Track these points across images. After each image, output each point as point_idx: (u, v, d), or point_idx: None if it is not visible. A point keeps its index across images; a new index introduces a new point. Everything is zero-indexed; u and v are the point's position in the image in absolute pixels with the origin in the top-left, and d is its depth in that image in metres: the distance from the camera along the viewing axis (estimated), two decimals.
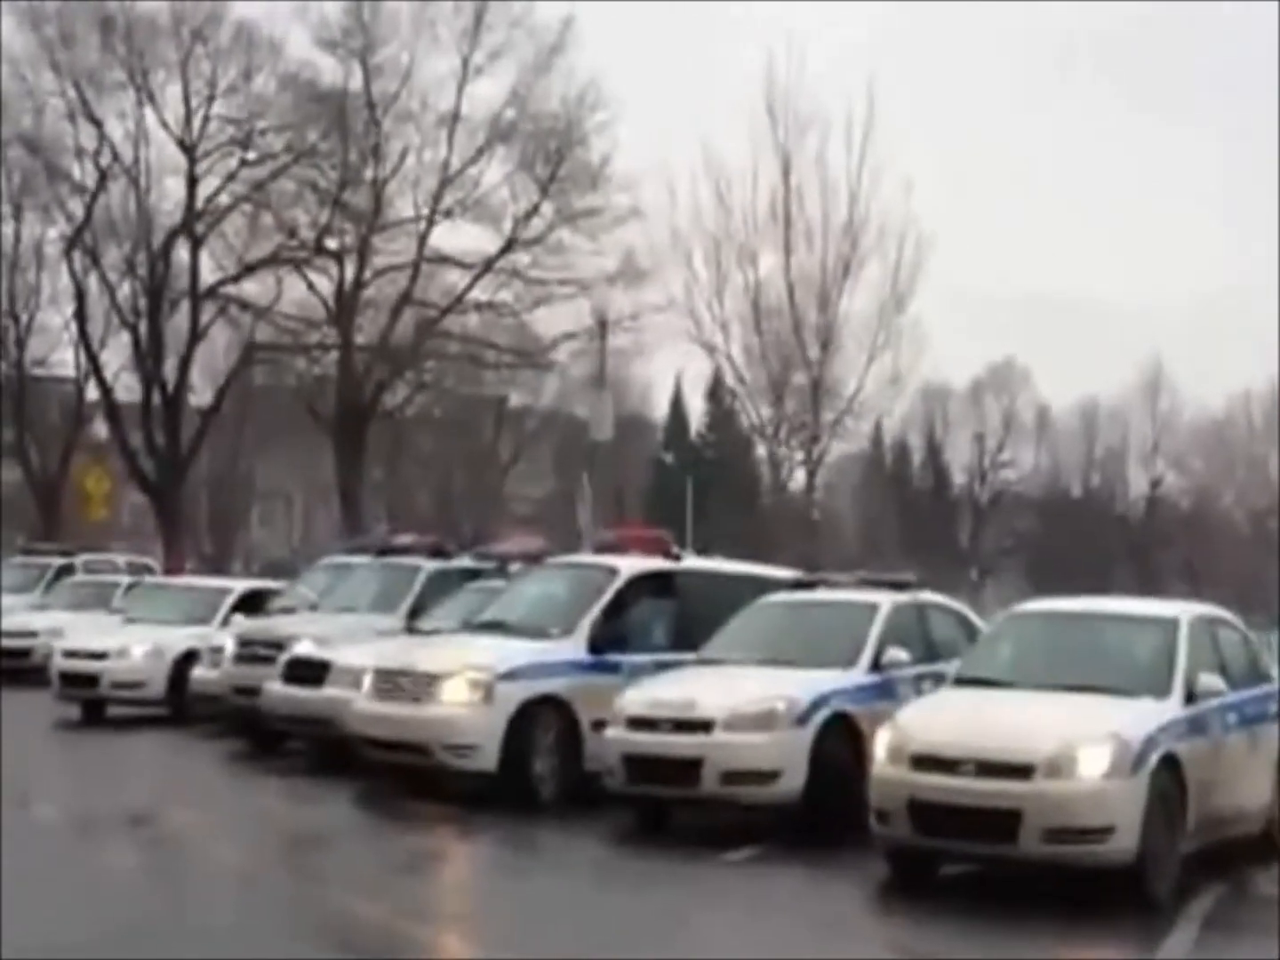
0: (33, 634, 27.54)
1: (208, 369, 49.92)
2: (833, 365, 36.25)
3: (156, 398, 44.73)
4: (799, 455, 78.99)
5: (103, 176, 44.28)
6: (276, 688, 17.74)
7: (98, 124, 44.02)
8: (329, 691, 17.00)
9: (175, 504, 44.84)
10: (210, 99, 44.16)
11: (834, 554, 50.32)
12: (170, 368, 45.28)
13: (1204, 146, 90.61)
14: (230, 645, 19.73)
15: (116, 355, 47.19)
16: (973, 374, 78.64)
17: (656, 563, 16.92)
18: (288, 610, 21.14)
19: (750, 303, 35.93)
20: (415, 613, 19.03)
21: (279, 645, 18.61)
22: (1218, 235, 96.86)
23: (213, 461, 57.74)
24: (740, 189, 35.63)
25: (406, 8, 43.01)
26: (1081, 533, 74.02)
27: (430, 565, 20.11)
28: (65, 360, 48.83)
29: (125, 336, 46.28)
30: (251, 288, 45.51)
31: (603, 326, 38.20)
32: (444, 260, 43.39)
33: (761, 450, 78.71)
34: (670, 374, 65.23)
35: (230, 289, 45.17)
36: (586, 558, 18.34)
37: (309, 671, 17.45)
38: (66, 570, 31.82)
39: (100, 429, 51.11)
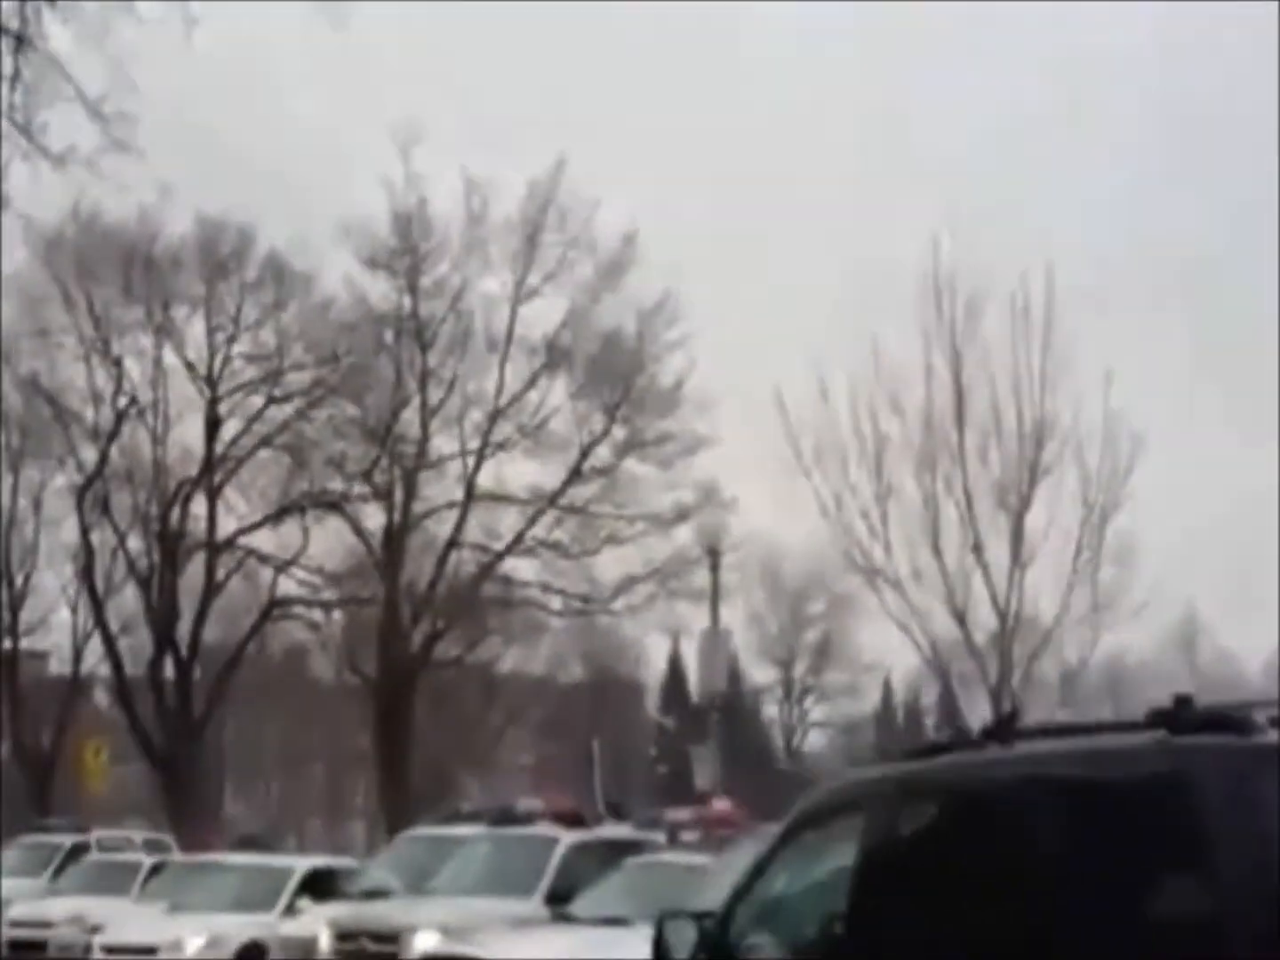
0: (47, 924, 24.10)
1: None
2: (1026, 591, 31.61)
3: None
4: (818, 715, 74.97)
5: (119, 420, 41.28)
6: None
7: (116, 364, 41.19)
8: None
9: (192, 775, 41.17)
10: (233, 336, 41.32)
11: None
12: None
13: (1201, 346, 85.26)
14: (325, 939, 16.19)
15: (113, 619, 43.82)
16: (992, 628, 74.84)
17: None
18: (379, 894, 17.72)
19: (929, 518, 31.46)
20: (558, 895, 15.52)
21: (392, 938, 15.16)
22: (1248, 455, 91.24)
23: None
24: (909, 384, 30.58)
25: (456, 226, 39.53)
26: None
27: (569, 836, 16.71)
28: (57, 621, 45.67)
29: (121, 598, 43.38)
30: (266, 537, 42.22)
31: (713, 555, 34.50)
32: (495, 499, 39.68)
33: (770, 712, 75.47)
34: (656, 633, 60.49)
35: (248, 539, 42.02)
36: None
37: None
38: (80, 849, 28.86)
39: (96, 692, 47.73)
